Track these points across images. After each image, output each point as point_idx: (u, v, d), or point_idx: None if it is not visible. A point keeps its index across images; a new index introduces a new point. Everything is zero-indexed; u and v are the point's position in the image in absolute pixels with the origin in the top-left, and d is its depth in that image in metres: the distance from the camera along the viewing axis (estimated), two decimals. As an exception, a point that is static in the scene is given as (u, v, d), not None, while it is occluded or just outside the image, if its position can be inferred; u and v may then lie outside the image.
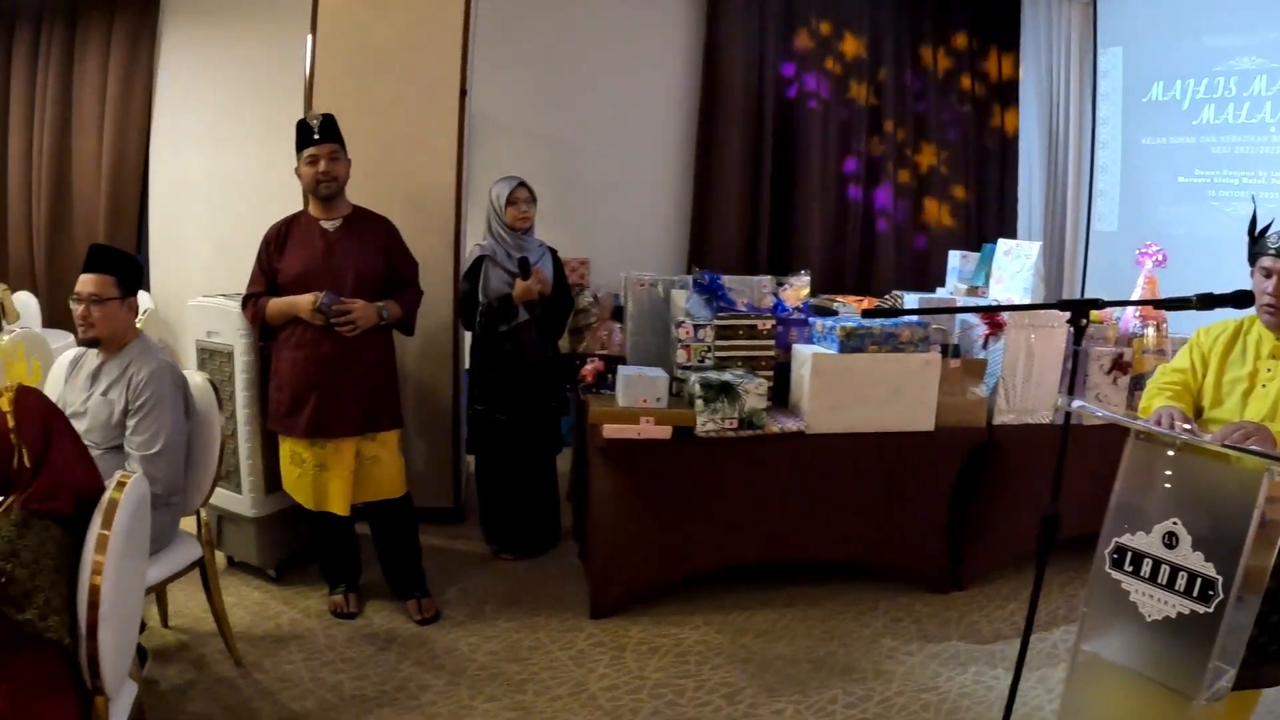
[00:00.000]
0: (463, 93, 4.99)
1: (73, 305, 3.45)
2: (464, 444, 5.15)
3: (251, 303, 4.12)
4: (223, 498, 4.40)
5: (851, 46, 7.37)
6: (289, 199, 6.50)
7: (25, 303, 7.03)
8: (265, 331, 4.17)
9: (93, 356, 3.58)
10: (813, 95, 7.16)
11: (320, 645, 4.00)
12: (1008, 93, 7.64)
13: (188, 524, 3.74)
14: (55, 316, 7.26)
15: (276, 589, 4.54)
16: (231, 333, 4.40)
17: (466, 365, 4.95)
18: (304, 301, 3.95)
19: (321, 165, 4.01)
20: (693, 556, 4.32)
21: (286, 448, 4.17)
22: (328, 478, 4.09)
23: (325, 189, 4.04)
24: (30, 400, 2.57)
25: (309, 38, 5.16)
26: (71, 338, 6.29)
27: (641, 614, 4.27)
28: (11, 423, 2.47)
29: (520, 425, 4.61)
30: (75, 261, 7.40)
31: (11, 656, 2.36)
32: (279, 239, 4.15)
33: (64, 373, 3.71)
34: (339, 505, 4.09)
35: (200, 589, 3.84)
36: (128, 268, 3.52)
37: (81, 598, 2.41)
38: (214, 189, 7.11)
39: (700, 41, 6.94)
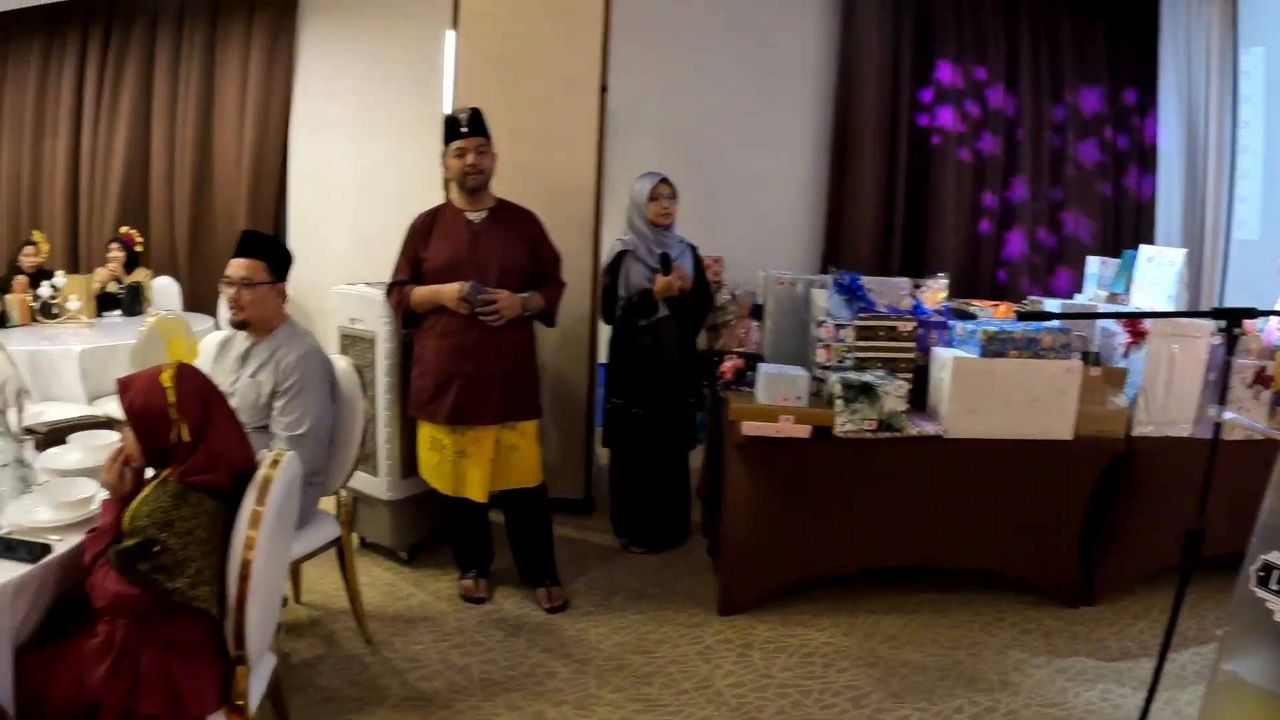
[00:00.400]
0: (603, 89, 5.03)
1: (224, 289, 3.56)
2: (596, 437, 5.19)
3: (397, 290, 4.22)
4: (360, 480, 4.51)
5: (985, 55, 7.23)
6: (425, 191, 6.61)
7: (165, 287, 7.32)
8: (409, 319, 4.25)
9: (241, 339, 3.68)
10: (948, 91, 7.02)
11: (450, 628, 4.09)
12: (1146, 97, 7.44)
13: (326, 504, 3.84)
14: (195, 301, 7.52)
15: (408, 571, 4.66)
16: (374, 320, 4.51)
17: (602, 359, 4.98)
18: (449, 290, 4.02)
19: (469, 158, 4.08)
20: (824, 557, 4.31)
21: (426, 434, 4.25)
22: (467, 465, 4.16)
23: (472, 181, 4.11)
24: (191, 377, 2.68)
25: (450, 33, 5.24)
26: (209, 321, 6.52)
27: (769, 613, 4.27)
28: (172, 398, 2.57)
29: (656, 420, 4.63)
30: (216, 250, 7.70)
31: (161, 622, 2.48)
32: (425, 229, 4.23)
33: (213, 353, 3.83)
34: (477, 492, 4.16)
35: (331, 567, 3.96)
36: (278, 254, 3.64)
37: (232, 570, 2.52)
38: (351, 181, 7.25)
39: (835, 42, 6.88)
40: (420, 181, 6.71)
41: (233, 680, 2.56)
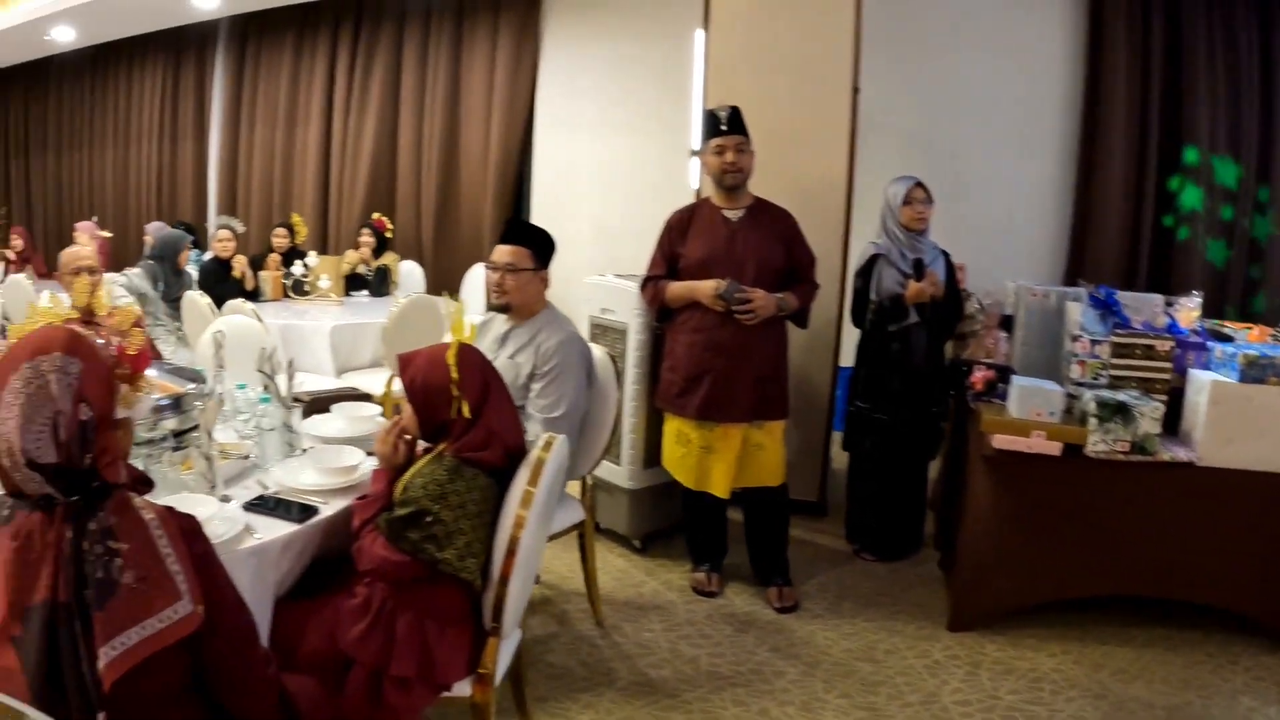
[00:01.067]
0: (854, 90, 5.00)
1: (488, 273, 3.67)
2: (833, 440, 5.17)
3: (652, 285, 4.28)
4: (601, 467, 4.58)
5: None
6: (667, 187, 6.71)
7: (409, 271, 7.64)
8: (663, 314, 4.31)
9: (501, 321, 3.77)
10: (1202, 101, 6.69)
11: (680, 618, 4.12)
12: None
13: (571, 489, 3.91)
14: (438, 286, 7.86)
15: (640, 559, 4.72)
16: (627, 311, 4.61)
17: (845, 362, 4.96)
18: (705, 287, 4.05)
19: (728, 156, 4.10)
20: (1060, 580, 4.17)
21: (673, 427, 4.29)
22: (712, 460, 4.18)
23: (730, 179, 4.13)
24: (472, 356, 2.79)
25: (699, 32, 5.28)
26: (453, 306, 6.74)
27: (999, 633, 4.14)
28: (455, 374, 2.68)
29: (899, 427, 4.57)
30: (460, 238, 8.04)
31: (423, 589, 2.59)
32: (682, 225, 4.26)
33: (478, 338, 3.93)
34: (720, 488, 4.18)
35: (566, 548, 4.09)
36: (543, 242, 3.68)
37: (500, 546, 2.61)
38: (593, 175, 7.46)
39: (1082, 44, 6.66)
40: (661, 177, 6.90)
41: (483, 651, 2.64)
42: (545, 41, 7.68)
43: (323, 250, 8.35)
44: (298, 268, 7.01)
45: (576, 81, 7.51)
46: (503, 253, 3.62)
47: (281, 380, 3.35)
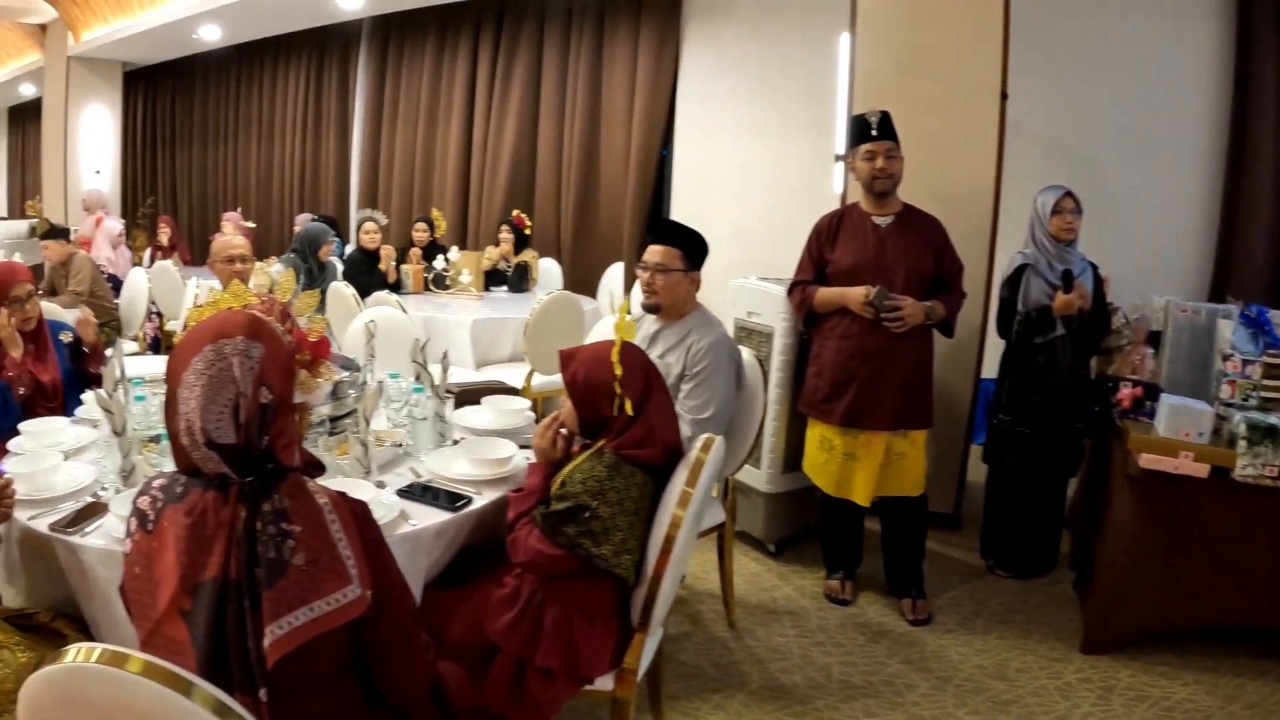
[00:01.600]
0: (1003, 96, 4.96)
1: (639, 272, 3.74)
2: (971, 453, 5.13)
3: (799, 289, 4.31)
4: (740, 470, 4.61)
5: None
6: (808, 190, 6.74)
7: (547, 268, 7.79)
8: (810, 319, 4.34)
9: (650, 321, 3.83)
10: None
11: (812, 625, 4.14)
12: None
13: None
14: (575, 284, 8.02)
15: (773, 563, 4.76)
16: (773, 315, 4.64)
17: (987, 373, 4.93)
18: (855, 294, 4.06)
19: (879, 162, 4.11)
20: (1199, 606, 4.08)
21: (816, 432, 4.31)
22: (855, 467, 4.19)
23: (880, 185, 4.14)
24: (635, 355, 2.83)
25: (845, 35, 5.29)
26: (593, 303, 6.86)
27: (1132, 658, 4.05)
28: (619, 372, 2.72)
29: (1043, 441, 4.51)
30: (599, 237, 8.24)
31: (573, 582, 2.64)
32: (831, 231, 4.29)
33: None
34: (861, 495, 4.19)
35: (702, 549, 4.08)
36: (694, 243, 3.72)
37: (655, 544, 2.65)
38: (732, 178, 7.48)
39: (1230, 53, 6.49)
40: (802, 182, 6.93)
41: (628, 647, 2.68)
42: (685, 44, 7.75)
43: (461, 245, 8.55)
44: (439, 261, 7.25)
45: (716, 84, 7.56)
46: (653, 253, 3.69)
47: (436, 371, 3.47)
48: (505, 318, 6.31)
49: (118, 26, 11.38)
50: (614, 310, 2.98)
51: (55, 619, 2.61)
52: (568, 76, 8.48)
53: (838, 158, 5.70)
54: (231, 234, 9.96)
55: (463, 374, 5.85)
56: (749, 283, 4.88)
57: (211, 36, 11.17)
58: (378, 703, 2.03)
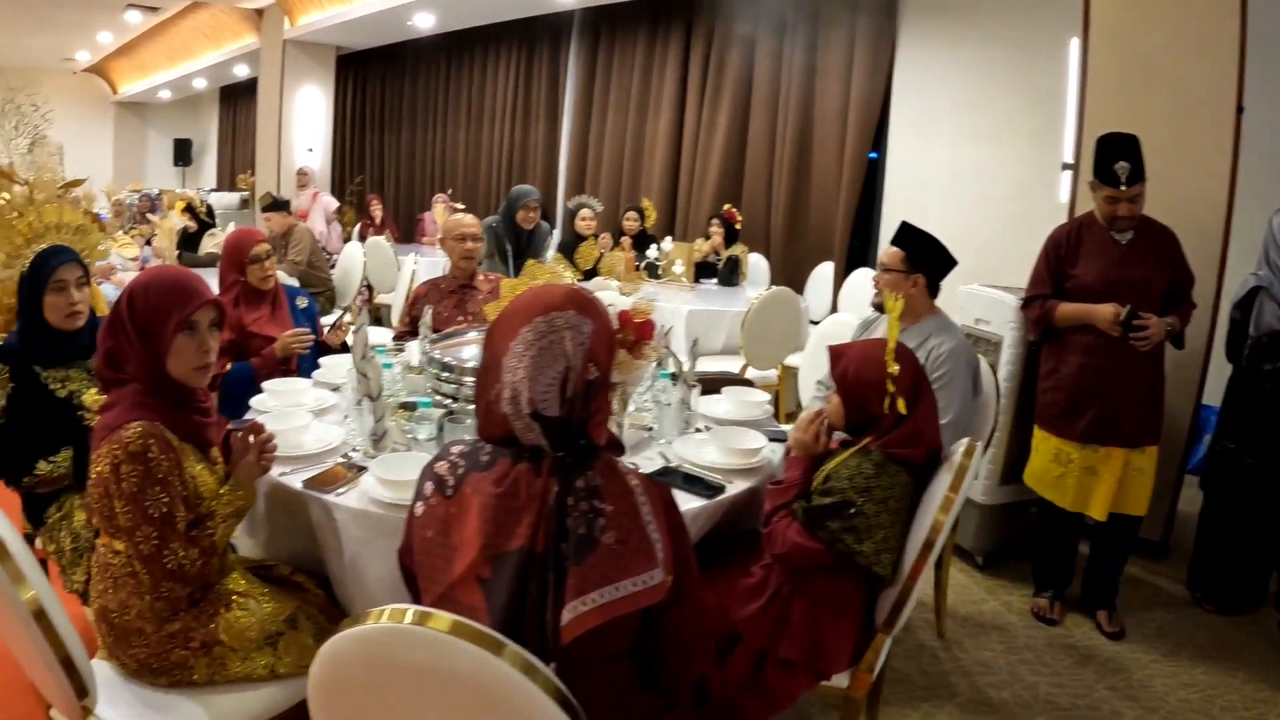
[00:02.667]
0: (1238, 109, 4.88)
1: (875, 273, 3.91)
2: (1185, 479, 5.05)
3: (1038, 304, 4.31)
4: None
5: None
6: (1026, 199, 6.75)
7: (755, 263, 7.94)
8: (1048, 333, 4.34)
9: (885, 323, 3.87)
10: None
11: (1020, 642, 4.13)
12: None
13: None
14: (783, 280, 8.13)
15: (980, 576, 4.77)
16: (1002, 324, 4.68)
17: (1209, 399, 4.88)
18: (1104, 311, 4.05)
19: (1121, 208, 4.08)
20: None
21: (1051, 446, 4.30)
22: (1094, 481, 4.17)
23: (1121, 225, 4.13)
24: (906, 354, 2.86)
25: (1074, 42, 5.26)
26: (802, 301, 6.97)
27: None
28: (894, 370, 2.75)
29: (1267, 473, 4.36)
30: (808, 235, 8.38)
31: (822, 577, 2.71)
32: (1070, 245, 4.27)
33: (854, 333, 4.16)
34: (1099, 510, 4.17)
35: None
36: (921, 247, 3.79)
37: (914, 545, 2.68)
38: (946, 182, 7.46)
39: None
40: (1021, 188, 6.90)
41: (868, 646, 2.72)
42: (900, 42, 7.77)
43: (668, 236, 8.74)
44: (653, 251, 7.50)
45: (932, 84, 7.57)
46: (884, 252, 3.83)
47: (685, 359, 3.60)
48: (721, 310, 6.45)
49: (333, 12, 11.94)
50: (887, 308, 3.02)
51: (294, 573, 2.79)
52: (781, 71, 8.60)
53: (1065, 166, 5.66)
54: (439, 214, 10.46)
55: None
56: (978, 290, 4.92)
57: (425, 24, 11.65)
58: (648, 685, 2.06)
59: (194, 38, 16.43)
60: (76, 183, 5.17)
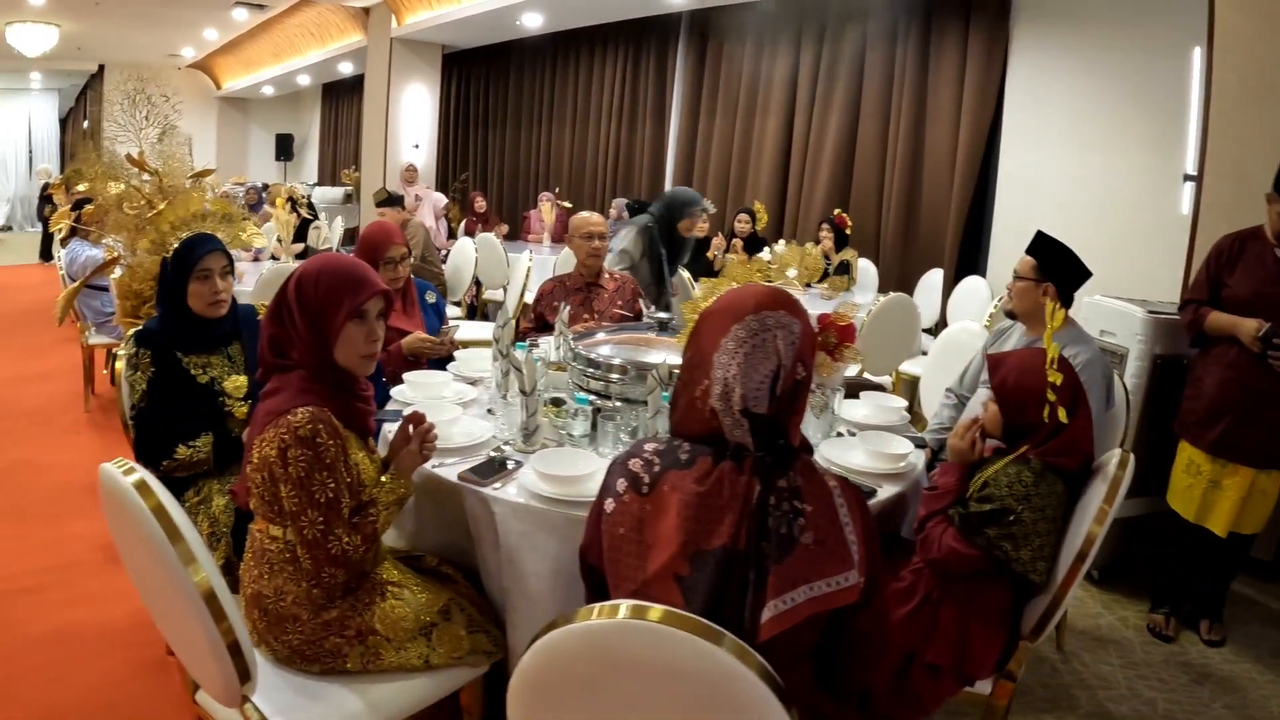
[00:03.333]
0: (1371, 124, 4.82)
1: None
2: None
3: (1192, 308, 4.30)
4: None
5: None
6: (1143, 208, 6.68)
7: (864, 269, 8.04)
8: (1197, 339, 4.34)
9: (1020, 331, 3.95)
10: None
11: (1137, 658, 4.12)
12: None
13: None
14: (891, 285, 8.20)
15: (1096, 590, 4.75)
16: (1128, 336, 4.68)
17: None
18: (1247, 326, 4.03)
19: None
20: None
21: (1185, 455, 4.31)
22: (1218, 496, 4.14)
23: None
24: (1065, 364, 2.86)
25: (1197, 50, 5.22)
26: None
27: None
28: (1057, 379, 2.76)
29: None
30: (919, 240, 8.36)
31: (972, 584, 2.75)
32: (1231, 255, 4.23)
33: (989, 341, 4.18)
34: (1220, 525, 4.16)
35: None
36: (1053, 256, 3.81)
37: (1067, 556, 2.71)
38: (1061, 190, 7.40)
39: None
40: (1137, 198, 6.83)
41: (1013, 653, 2.74)
42: (1014, 48, 7.74)
43: (777, 239, 8.82)
44: (765, 253, 7.57)
45: (1046, 91, 7.52)
46: (1019, 261, 3.87)
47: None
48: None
49: (441, 12, 12.16)
50: (1048, 320, 3.02)
51: (440, 564, 2.85)
52: (894, 75, 8.62)
53: (1187, 178, 5.63)
54: (546, 212, 10.63)
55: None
56: (1102, 300, 4.92)
57: (533, 24, 11.84)
58: (825, 685, 2.10)
59: (300, 35, 16.88)
60: (206, 172, 5.37)
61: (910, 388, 6.62)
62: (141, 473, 2.11)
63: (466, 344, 7.43)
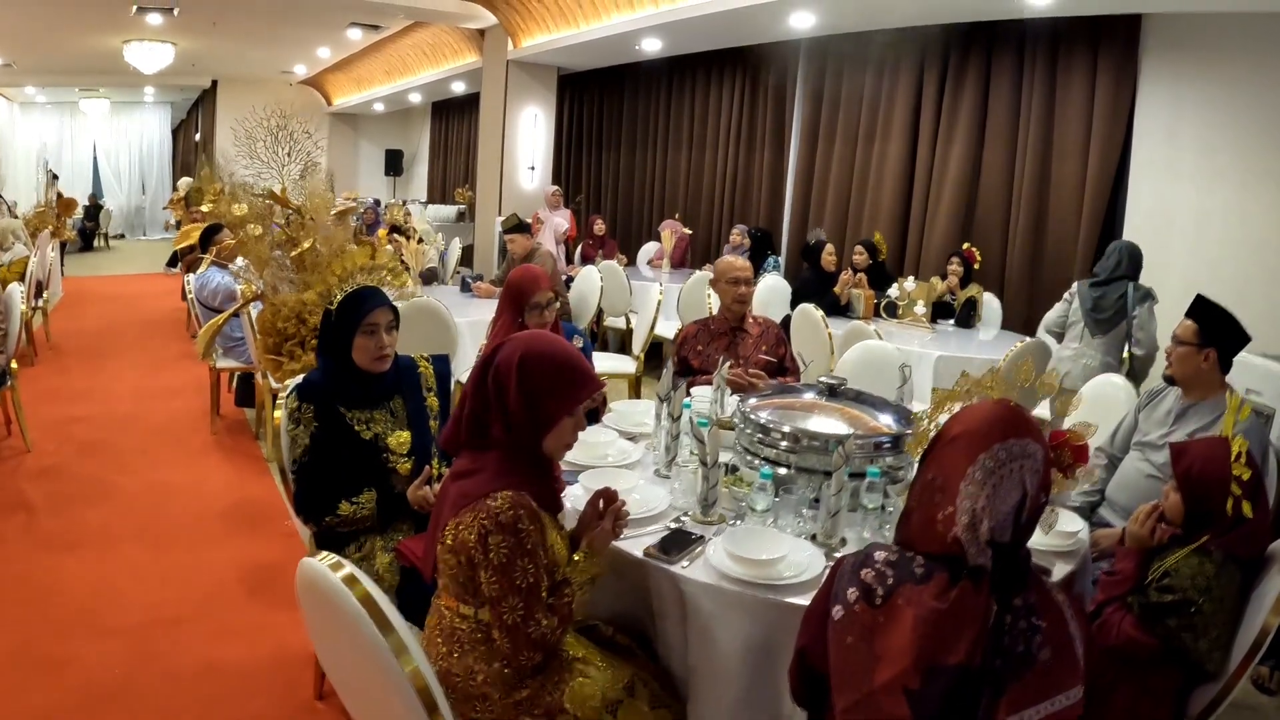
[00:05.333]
0: None
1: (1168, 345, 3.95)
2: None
3: None
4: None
5: None
6: (1272, 247, 6.56)
7: (988, 303, 8.02)
8: None
9: (1174, 396, 3.98)
10: None
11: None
12: None
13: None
14: (1015, 322, 8.26)
15: None
16: (1275, 396, 4.68)
17: None
18: None
19: None
20: None
21: None
22: None
23: None
24: (1252, 456, 2.89)
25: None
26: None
27: None
28: (1244, 474, 2.81)
29: None
30: (1044, 275, 8.33)
31: (1144, 667, 2.81)
32: None
33: (1141, 402, 4.20)
34: None
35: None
36: (1215, 320, 3.82)
37: (1243, 644, 2.72)
38: (1192, 227, 7.38)
39: None
40: (1269, 236, 6.83)
41: None
42: (1143, 79, 7.69)
43: (897, 271, 8.90)
44: (894, 289, 7.68)
45: (1176, 123, 7.47)
46: (1180, 325, 3.88)
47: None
48: (968, 357, 6.52)
49: (558, 36, 12.34)
50: (1230, 411, 3.08)
51: (615, 634, 2.87)
52: (1020, 106, 8.61)
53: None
54: (666, 239, 10.78)
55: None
56: (1249, 359, 4.89)
57: (652, 48, 11.95)
58: None
59: (413, 55, 17.32)
60: (350, 210, 5.60)
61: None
62: (349, 567, 2.20)
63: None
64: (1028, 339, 6.76)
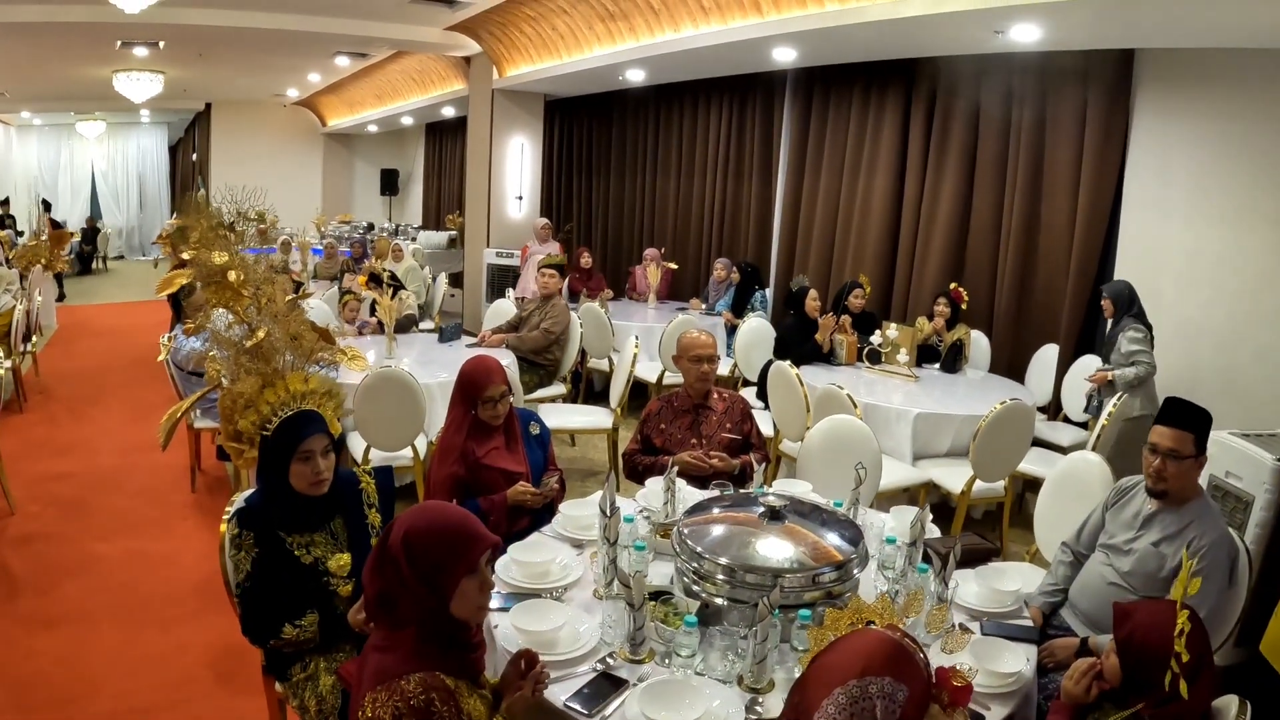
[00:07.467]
0: None
1: (1146, 455, 3.67)
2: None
3: None
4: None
5: None
6: (1262, 290, 6.43)
7: (976, 341, 8.02)
8: None
9: (1143, 497, 3.76)
10: None
11: None
12: None
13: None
14: (1001, 366, 8.15)
15: None
16: (1255, 483, 4.48)
17: None
18: None
19: None
20: None
21: None
22: None
23: None
24: (1197, 638, 2.79)
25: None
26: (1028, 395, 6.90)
27: None
28: (1184, 654, 2.72)
29: None
30: (1034, 317, 8.22)
31: None
32: None
33: (1109, 498, 3.96)
34: None
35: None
36: (1206, 425, 3.63)
37: None
38: (1183, 266, 7.24)
39: None
40: (1260, 280, 6.69)
41: None
42: (1136, 116, 7.54)
43: (885, 308, 8.76)
44: (877, 337, 7.53)
45: (1169, 161, 7.33)
46: (1165, 436, 3.61)
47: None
48: (949, 414, 6.44)
49: (542, 66, 12.28)
50: (1184, 579, 2.97)
51: None
52: (1009, 142, 8.48)
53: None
54: (652, 273, 10.69)
55: (899, 470, 6.13)
56: (1232, 440, 4.74)
57: (636, 78, 11.89)
58: None
59: (402, 80, 17.35)
60: (304, 295, 5.57)
61: (1019, 493, 6.77)
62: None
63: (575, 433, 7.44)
64: (1017, 391, 6.74)
